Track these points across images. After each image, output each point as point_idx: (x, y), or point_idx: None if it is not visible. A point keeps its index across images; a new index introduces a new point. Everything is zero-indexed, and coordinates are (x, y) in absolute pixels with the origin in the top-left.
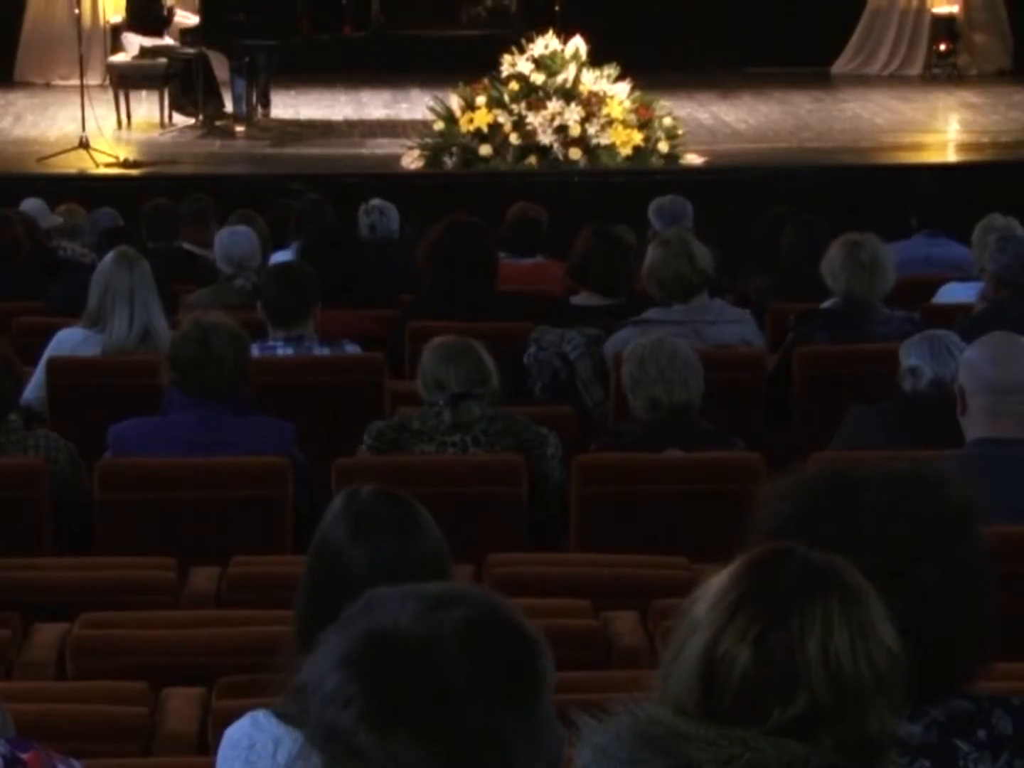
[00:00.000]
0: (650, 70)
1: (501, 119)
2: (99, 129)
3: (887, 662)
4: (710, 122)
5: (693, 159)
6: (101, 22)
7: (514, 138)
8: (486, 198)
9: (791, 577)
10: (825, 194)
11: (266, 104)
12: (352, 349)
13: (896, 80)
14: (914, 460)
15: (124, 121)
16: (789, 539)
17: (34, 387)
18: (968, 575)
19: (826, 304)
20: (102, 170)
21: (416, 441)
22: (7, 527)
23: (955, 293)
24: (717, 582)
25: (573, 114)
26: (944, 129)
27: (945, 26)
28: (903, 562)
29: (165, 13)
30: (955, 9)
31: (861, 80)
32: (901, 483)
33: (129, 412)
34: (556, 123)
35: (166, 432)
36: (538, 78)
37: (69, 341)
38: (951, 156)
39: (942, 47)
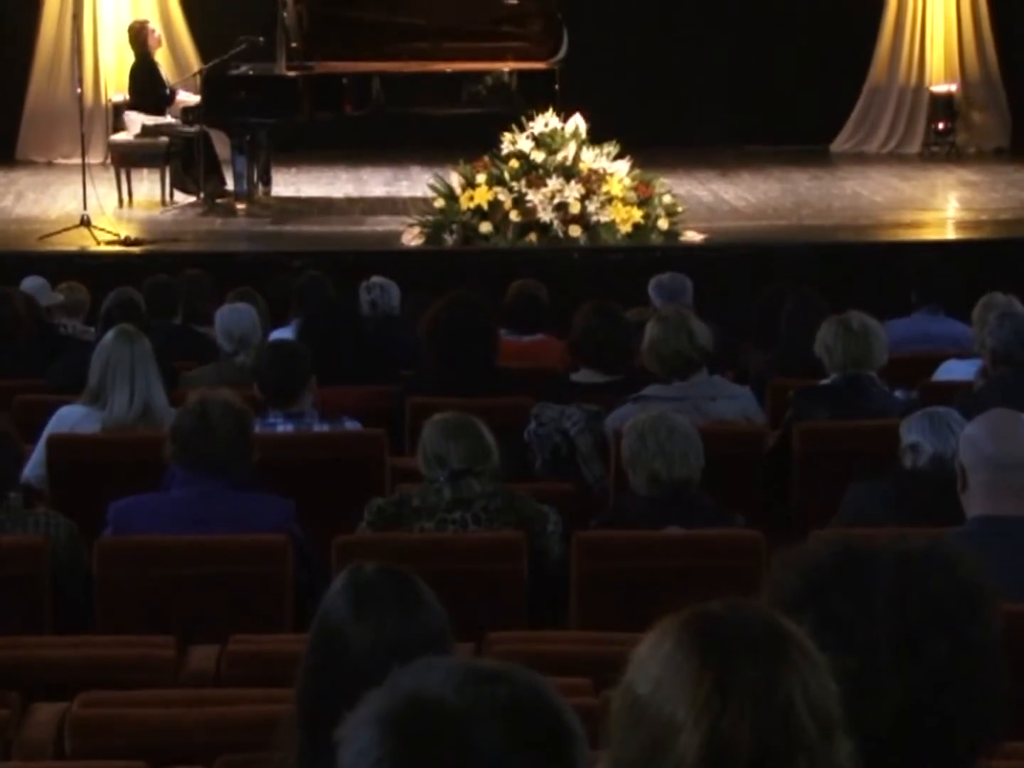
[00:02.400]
0: (650, 148)
1: (501, 196)
2: (100, 207)
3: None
4: (709, 199)
5: (693, 236)
6: (103, 101)
7: (514, 215)
8: (486, 275)
9: (747, 640)
10: (824, 271)
11: (267, 182)
12: (352, 425)
13: (895, 158)
14: (926, 536)
15: (125, 199)
16: (799, 613)
17: (34, 464)
18: (978, 653)
19: (825, 380)
20: (103, 248)
21: (416, 518)
22: (6, 605)
23: (955, 370)
24: (669, 669)
25: (573, 191)
26: (943, 207)
27: (943, 104)
28: (913, 637)
29: (167, 92)
30: (953, 88)
31: (860, 158)
32: (913, 559)
33: (130, 489)
34: (556, 200)
35: (166, 509)
36: (538, 156)
37: (69, 418)
38: (950, 233)
39: (940, 125)
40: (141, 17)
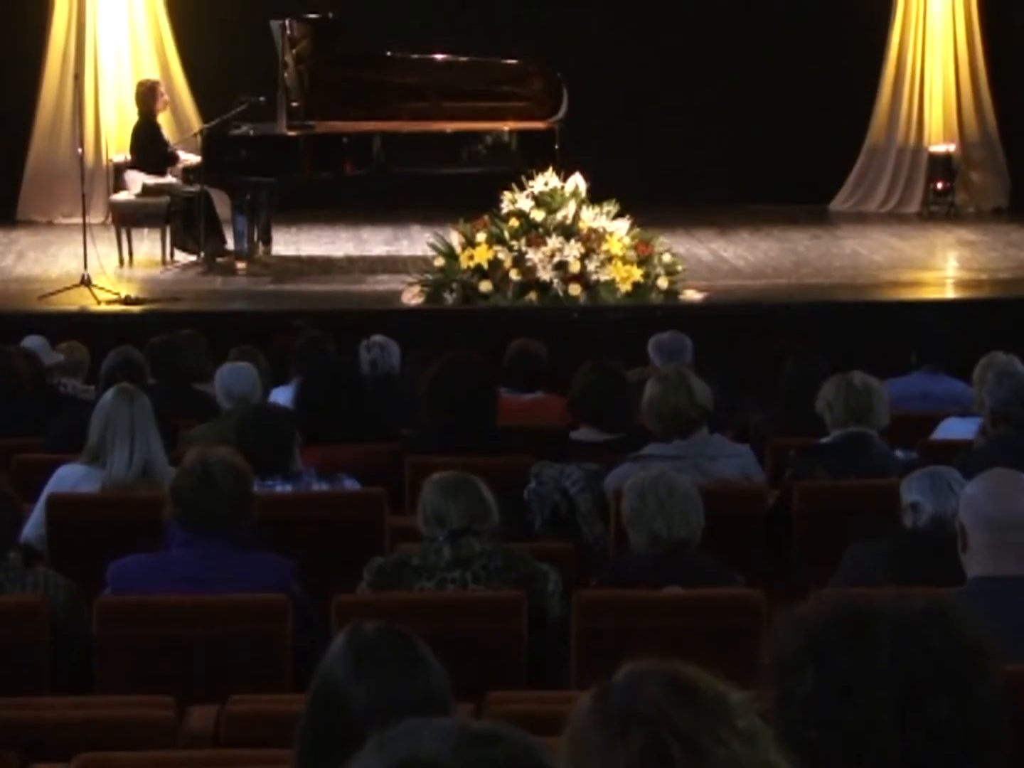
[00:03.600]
0: (649, 207)
1: (501, 255)
2: (101, 267)
3: None
4: (709, 258)
5: (692, 295)
6: (104, 160)
7: (514, 274)
8: (486, 334)
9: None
10: (824, 330)
11: (267, 241)
12: (351, 484)
13: (894, 217)
14: (927, 596)
15: (126, 258)
16: (800, 670)
17: (34, 524)
18: (980, 713)
19: (826, 439)
20: (103, 307)
21: (416, 577)
22: (5, 664)
23: (955, 429)
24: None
25: (573, 250)
26: (942, 266)
27: (942, 164)
28: (914, 696)
29: (169, 152)
30: (952, 148)
31: (859, 217)
32: (914, 617)
33: (129, 548)
34: (556, 259)
35: (166, 568)
36: (538, 215)
37: (69, 478)
38: (950, 293)
39: (939, 185)
40: (145, 77)
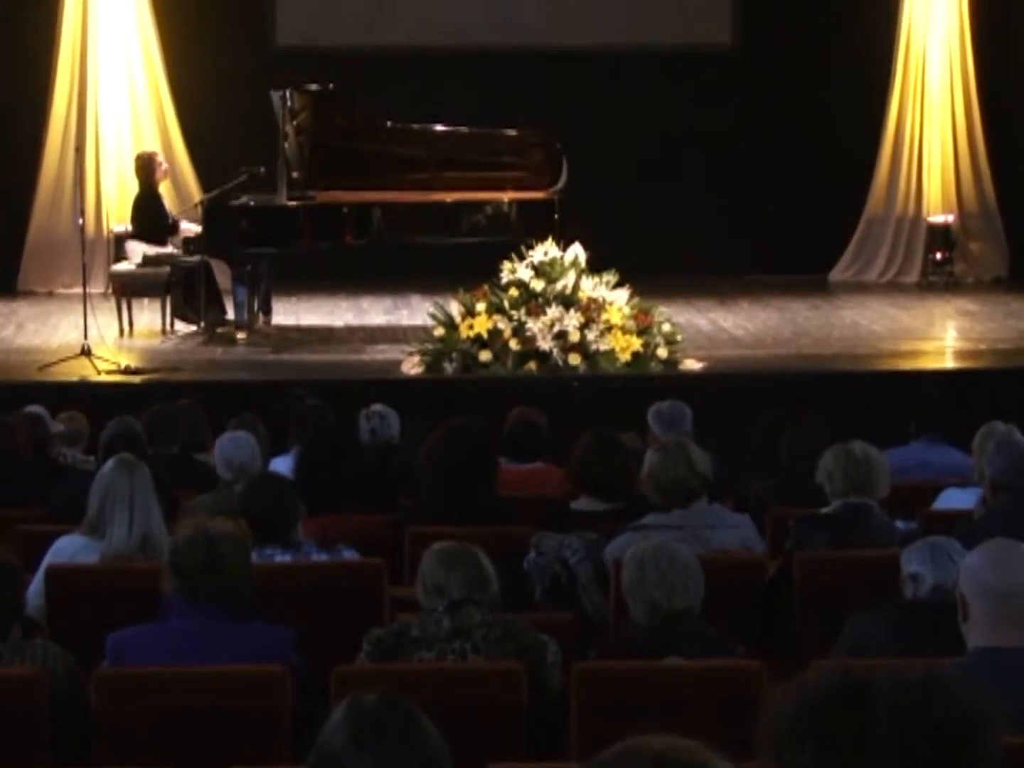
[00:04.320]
0: (649, 276)
1: (501, 325)
2: (101, 337)
3: None
4: (709, 328)
5: (692, 364)
6: (104, 231)
7: (514, 344)
8: (486, 403)
9: None
10: (824, 400)
11: (268, 311)
12: (350, 555)
13: (893, 287)
14: (929, 666)
15: (126, 329)
16: (799, 742)
17: (33, 595)
18: None
19: (826, 509)
20: (103, 377)
21: (415, 648)
22: (4, 737)
23: (955, 499)
24: None
25: (572, 320)
26: (942, 336)
27: (941, 235)
28: (914, 766)
29: (171, 223)
30: (951, 218)
31: (858, 287)
32: (913, 688)
33: (128, 619)
34: (556, 329)
35: (165, 640)
36: (538, 285)
37: (68, 548)
38: (949, 363)
39: (938, 255)
40: (146, 148)
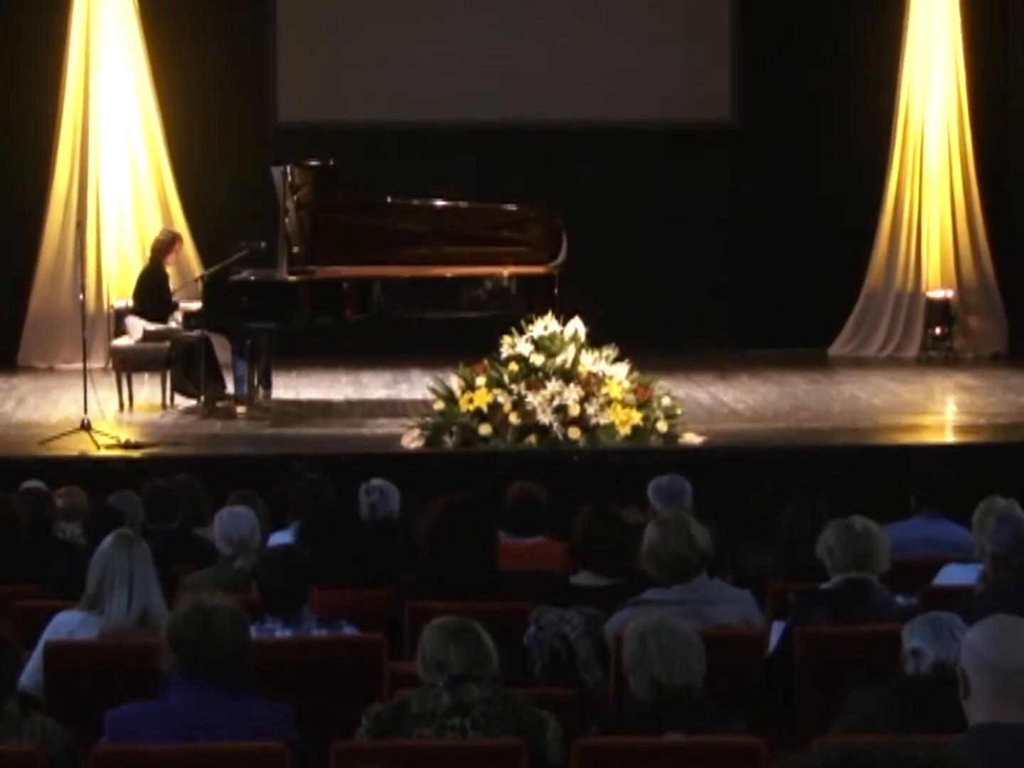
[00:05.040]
0: (648, 351)
1: (501, 399)
2: (101, 411)
3: None
4: (708, 402)
5: (692, 438)
6: (105, 307)
7: (514, 418)
8: (486, 477)
9: None
10: (824, 474)
11: (267, 385)
12: (350, 630)
13: (893, 362)
14: (928, 744)
15: (126, 403)
16: None
17: (31, 671)
18: None
19: (826, 584)
20: (103, 452)
21: (415, 724)
22: None
23: (956, 574)
24: None
25: (572, 394)
26: (941, 411)
27: (940, 310)
28: None
29: (173, 302)
30: (950, 293)
31: (858, 362)
32: (914, 766)
33: (127, 696)
34: (555, 403)
35: (163, 717)
36: (537, 359)
37: (67, 624)
38: (949, 437)
39: (938, 330)
40: (170, 228)
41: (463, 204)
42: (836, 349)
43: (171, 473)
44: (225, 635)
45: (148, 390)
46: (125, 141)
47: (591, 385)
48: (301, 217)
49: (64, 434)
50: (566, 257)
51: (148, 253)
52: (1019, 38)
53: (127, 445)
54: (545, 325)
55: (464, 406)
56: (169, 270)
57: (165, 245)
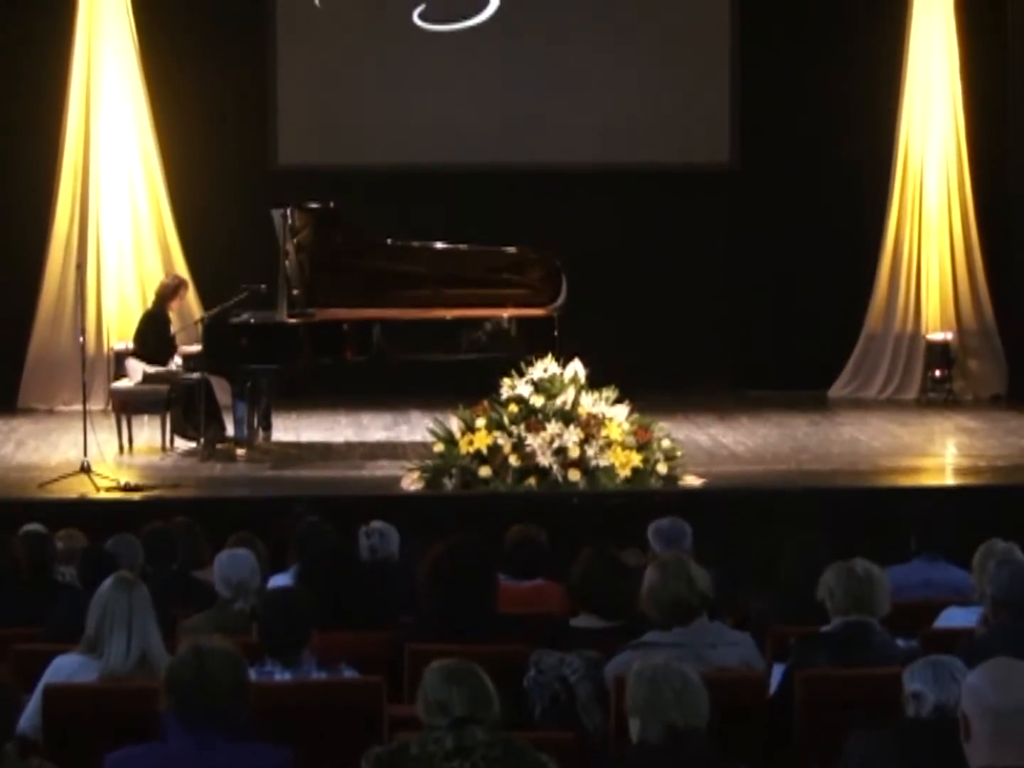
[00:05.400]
0: (648, 392)
1: (501, 441)
2: (101, 454)
3: None
4: (708, 444)
5: (692, 481)
6: (105, 349)
7: (513, 460)
8: (486, 519)
9: None
10: (823, 517)
11: (267, 427)
12: (350, 673)
13: (893, 404)
14: None
15: (126, 445)
16: None
17: (30, 715)
18: None
19: (827, 627)
20: (103, 495)
21: (415, 767)
22: None
23: (956, 617)
24: None
25: (572, 436)
26: (941, 453)
27: (940, 352)
28: None
29: (173, 346)
30: (949, 336)
31: (858, 404)
32: None
33: (126, 739)
34: (555, 445)
35: (162, 760)
36: (537, 401)
37: (66, 667)
38: (949, 480)
39: (937, 372)
40: (177, 274)
41: (463, 246)
42: (836, 391)
43: (171, 515)
44: (221, 678)
45: (148, 432)
46: (126, 183)
47: (591, 427)
48: (301, 259)
49: (64, 476)
50: (566, 299)
51: (152, 296)
52: (1018, 80)
53: (127, 488)
54: (545, 367)
55: (464, 448)
56: (171, 314)
57: (170, 290)
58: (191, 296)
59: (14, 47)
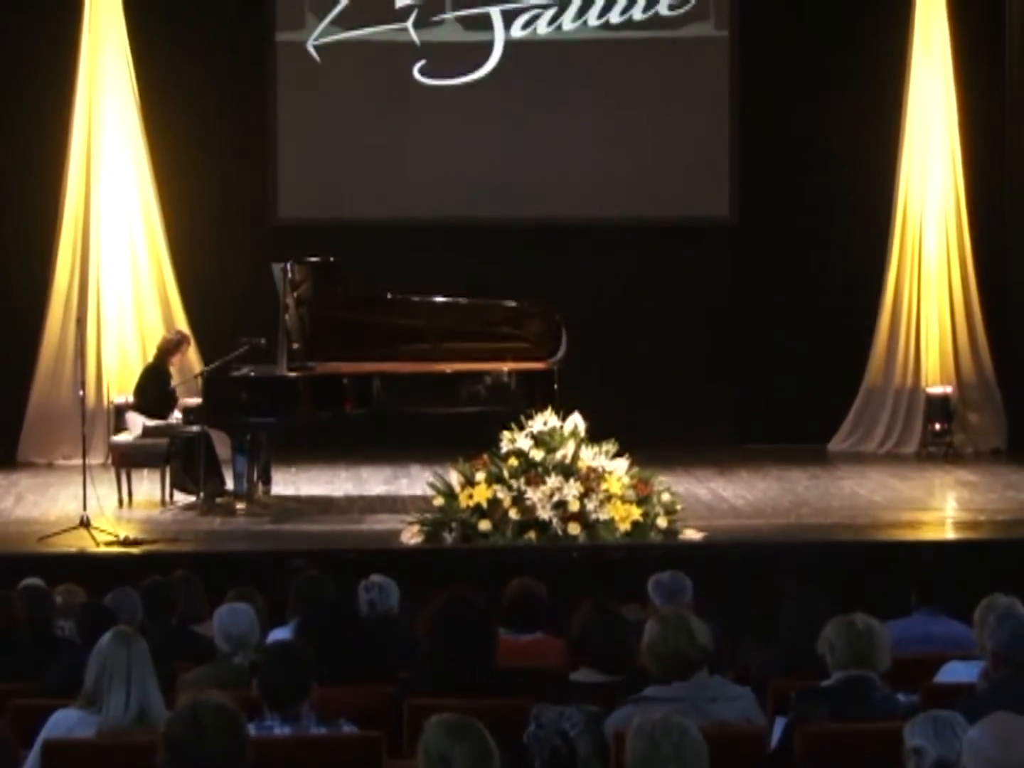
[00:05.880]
0: (648, 446)
1: (500, 494)
2: (100, 508)
3: None
4: (708, 497)
5: (692, 534)
6: (104, 403)
7: (513, 513)
8: (485, 573)
9: None
10: (824, 570)
11: (267, 481)
12: (349, 728)
13: (892, 458)
14: None
15: (125, 499)
16: None
17: None
18: None
19: (827, 682)
20: (102, 549)
21: None
22: None
23: (957, 672)
24: None
25: (572, 489)
26: (941, 507)
27: (940, 406)
28: None
29: (173, 399)
30: (949, 389)
31: (858, 457)
32: None
33: None
34: (555, 498)
35: None
36: (537, 454)
37: (65, 722)
38: (949, 534)
39: (937, 426)
40: (180, 329)
41: (463, 300)
42: (836, 444)
43: (171, 569)
44: (218, 734)
45: (148, 486)
46: (126, 237)
47: (591, 480)
48: (301, 313)
49: (63, 531)
50: (566, 352)
51: (153, 350)
52: (1016, 137)
53: (126, 542)
54: (545, 420)
55: (464, 502)
56: (172, 368)
57: (172, 344)
58: (191, 350)
59: (15, 99)
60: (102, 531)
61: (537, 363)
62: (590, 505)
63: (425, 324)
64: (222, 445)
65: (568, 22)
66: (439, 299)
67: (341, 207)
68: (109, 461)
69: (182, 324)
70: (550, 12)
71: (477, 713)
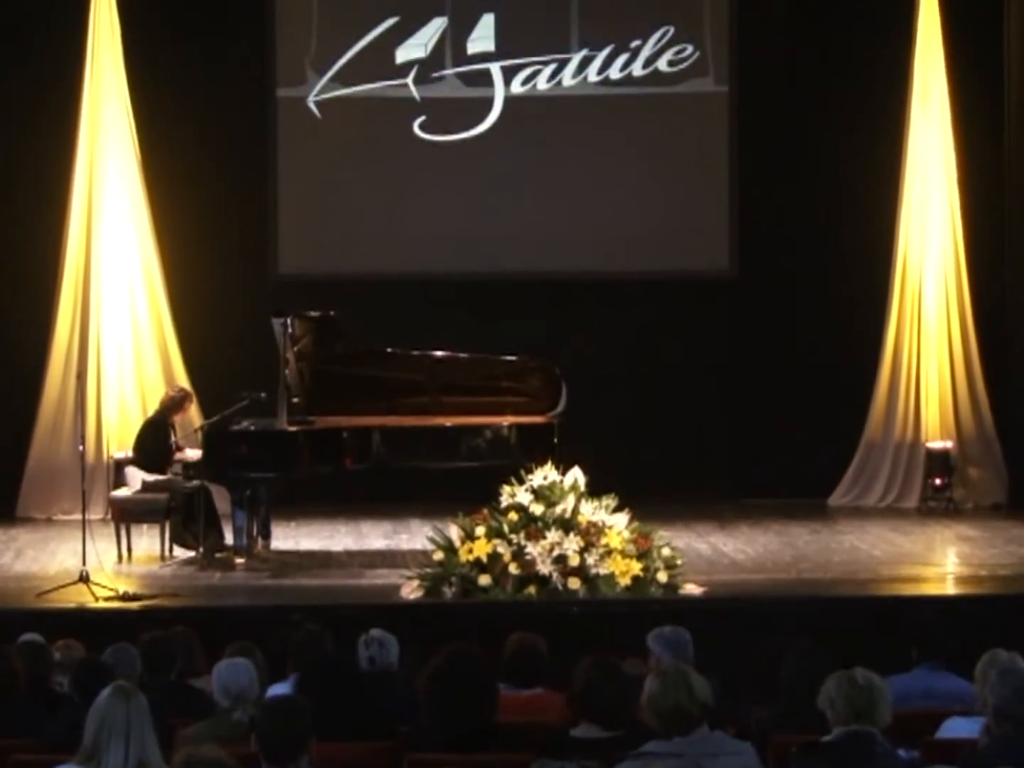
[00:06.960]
0: (648, 500)
1: (500, 549)
2: (99, 563)
3: None
4: (708, 552)
5: (692, 589)
6: (104, 458)
7: (513, 568)
8: (485, 628)
9: None
10: (824, 625)
11: (267, 535)
12: None
13: (893, 512)
14: None
15: (125, 554)
16: None
17: None
18: None
19: (827, 737)
20: (101, 604)
21: None
22: None
23: (958, 728)
24: None
25: (572, 544)
26: (942, 562)
27: (940, 460)
28: None
29: (173, 454)
30: (949, 444)
31: (858, 512)
32: None
33: None
34: (555, 553)
35: None
36: (537, 509)
37: None
38: (950, 589)
39: (937, 481)
40: (184, 387)
41: (462, 355)
42: (836, 499)
43: (170, 625)
44: None
45: (147, 541)
46: (126, 292)
47: (591, 535)
48: (301, 368)
49: (62, 586)
50: (566, 406)
51: (153, 404)
52: (1015, 189)
53: (125, 597)
54: (545, 474)
55: (464, 556)
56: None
57: (175, 402)
58: (192, 405)
59: (16, 154)
60: (101, 586)
61: (537, 417)
62: (590, 559)
63: (425, 378)
64: (222, 499)
65: (568, 78)
66: (438, 353)
67: (341, 262)
68: (109, 516)
69: (182, 379)
70: (550, 68)
71: None
